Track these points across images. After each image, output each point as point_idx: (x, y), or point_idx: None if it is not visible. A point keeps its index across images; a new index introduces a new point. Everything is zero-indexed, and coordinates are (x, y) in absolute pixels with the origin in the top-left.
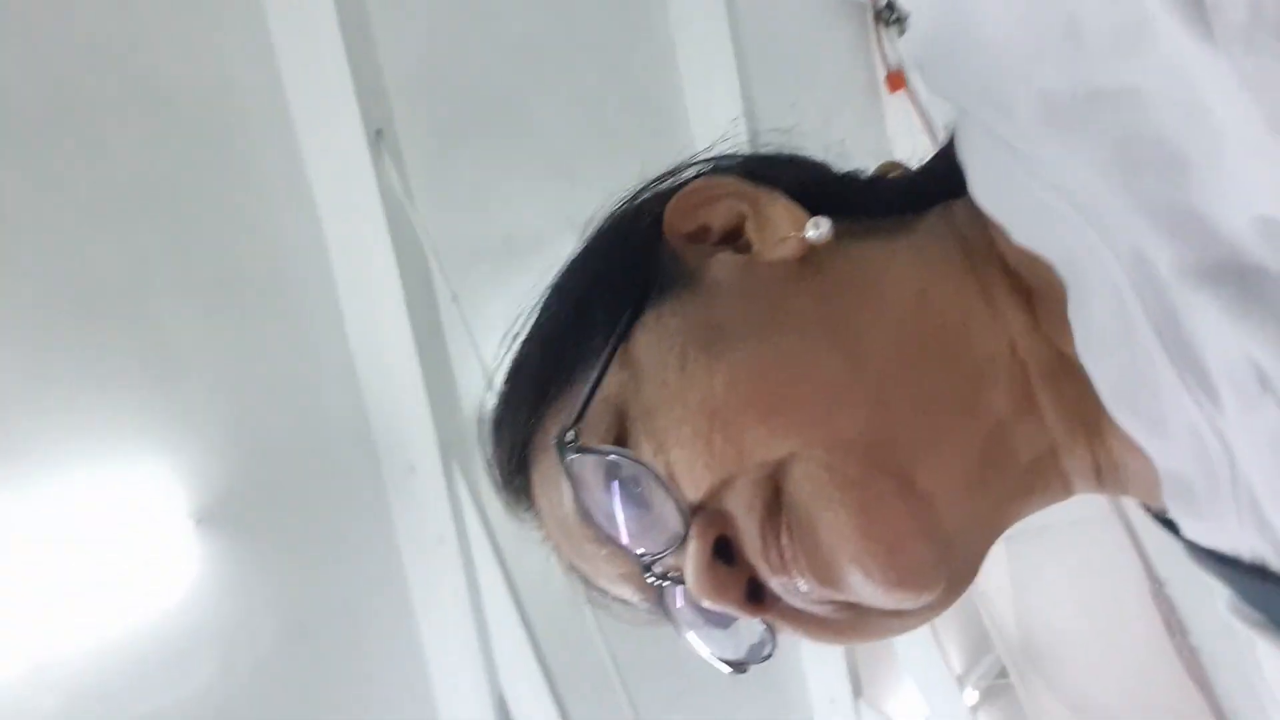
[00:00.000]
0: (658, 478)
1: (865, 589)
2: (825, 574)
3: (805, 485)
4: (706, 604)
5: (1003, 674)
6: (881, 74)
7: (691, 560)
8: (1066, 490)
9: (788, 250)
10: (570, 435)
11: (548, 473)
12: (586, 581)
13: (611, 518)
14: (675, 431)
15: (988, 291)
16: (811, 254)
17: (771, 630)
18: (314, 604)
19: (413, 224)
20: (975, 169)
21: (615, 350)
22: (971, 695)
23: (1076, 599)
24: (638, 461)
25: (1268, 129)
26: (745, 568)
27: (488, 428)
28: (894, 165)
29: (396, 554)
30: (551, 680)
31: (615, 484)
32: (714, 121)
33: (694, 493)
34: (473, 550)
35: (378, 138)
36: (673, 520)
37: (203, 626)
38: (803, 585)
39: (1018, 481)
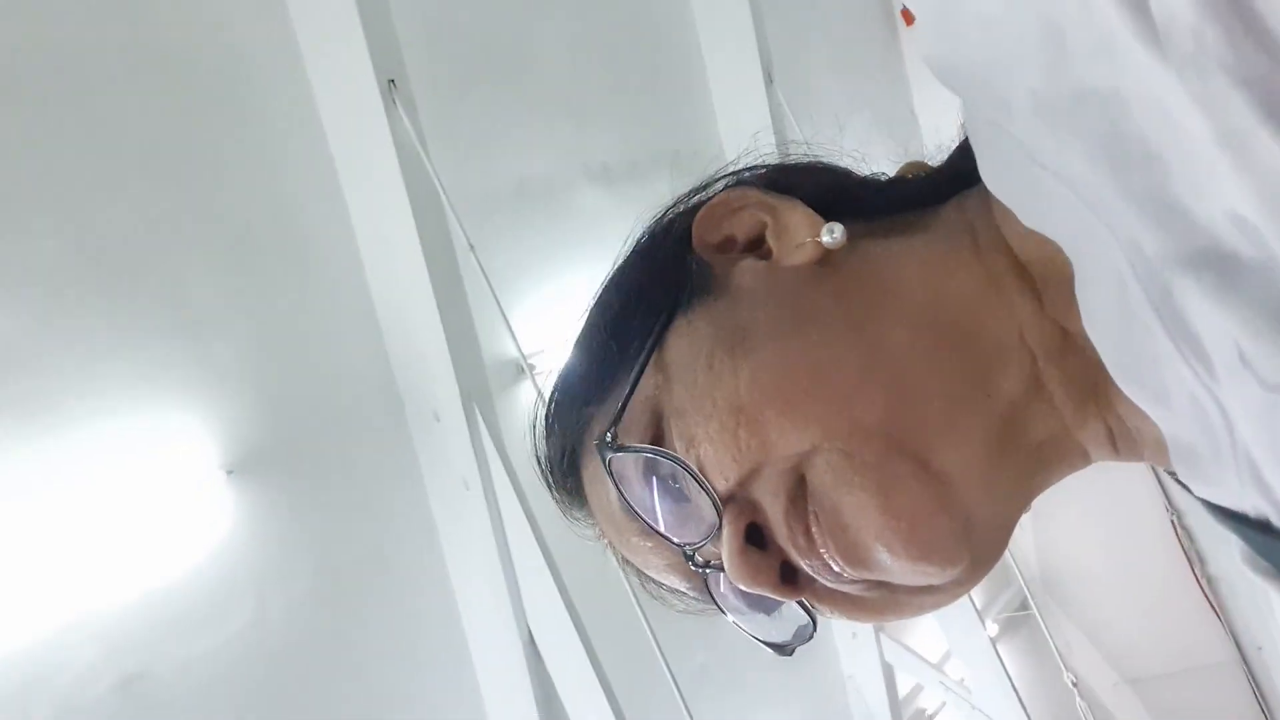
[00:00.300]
0: (690, 471)
1: (892, 566)
2: (853, 554)
3: (827, 473)
4: (743, 587)
5: (1023, 606)
6: (899, 6)
7: (725, 546)
8: (1084, 460)
9: (805, 254)
10: (609, 436)
11: (595, 473)
12: (640, 573)
13: (652, 511)
14: (704, 427)
15: (996, 280)
16: (828, 257)
17: (810, 611)
18: (345, 549)
19: (428, 174)
20: (984, 156)
21: (650, 356)
22: (992, 627)
23: (1097, 531)
24: (671, 457)
25: (1216, 145)
26: (777, 552)
27: (539, 436)
28: (918, 165)
29: (424, 499)
30: (577, 618)
31: (653, 479)
32: (727, 66)
33: (724, 484)
34: (497, 494)
35: (390, 88)
36: (707, 510)
37: (237, 574)
38: (834, 566)
39: (1033, 458)
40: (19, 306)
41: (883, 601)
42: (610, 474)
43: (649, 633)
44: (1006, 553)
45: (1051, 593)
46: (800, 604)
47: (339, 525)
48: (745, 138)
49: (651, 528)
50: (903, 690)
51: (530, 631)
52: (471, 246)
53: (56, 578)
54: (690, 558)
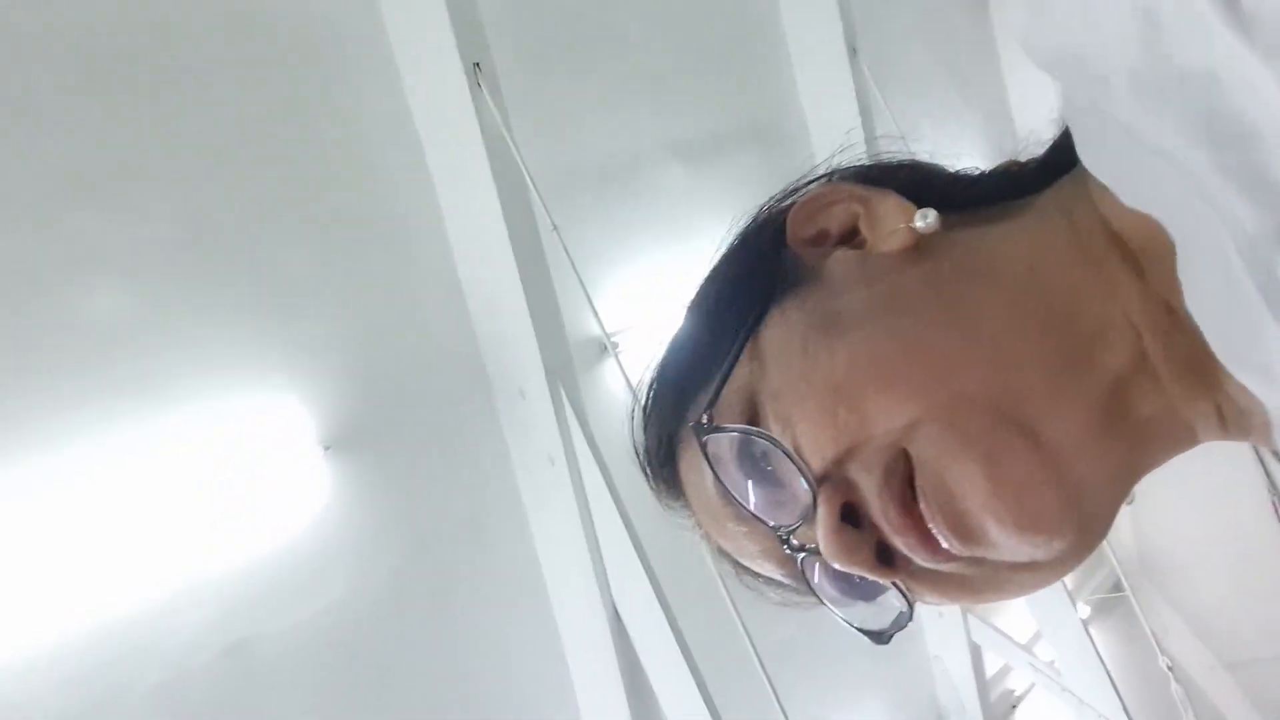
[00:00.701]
0: (785, 450)
1: (999, 538)
2: (960, 526)
3: (931, 446)
4: (838, 566)
5: (1117, 588)
6: None
7: (821, 525)
8: (1191, 439)
9: (898, 241)
10: (705, 418)
11: (692, 461)
12: (735, 564)
13: (746, 493)
14: (800, 408)
15: (1096, 257)
16: (922, 242)
17: (907, 596)
18: (436, 522)
19: (512, 155)
20: (1083, 137)
21: (744, 344)
22: (1084, 609)
23: (1195, 512)
24: (767, 436)
25: None
26: (873, 531)
27: (636, 426)
28: (1014, 164)
29: (510, 474)
30: (661, 593)
31: (748, 461)
32: (810, 38)
33: (819, 463)
34: (581, 470)
35: (475, 71)
36: (801, 491)
37: (335, 545)
38: (941, 541)
39: (1140, 434)
40: (130, 289)
41: (982, 580)
42: (706, 456)
43: (732, 608)
44: None
45: (1147, 574)
46: (896, 586)
47: (430, 499)
48: (828, 111)
49: (746, 510)
50: (990, 671)
51: (615, 606)
52: (555, 226)
53: (167, 547)
54: (785, 541)
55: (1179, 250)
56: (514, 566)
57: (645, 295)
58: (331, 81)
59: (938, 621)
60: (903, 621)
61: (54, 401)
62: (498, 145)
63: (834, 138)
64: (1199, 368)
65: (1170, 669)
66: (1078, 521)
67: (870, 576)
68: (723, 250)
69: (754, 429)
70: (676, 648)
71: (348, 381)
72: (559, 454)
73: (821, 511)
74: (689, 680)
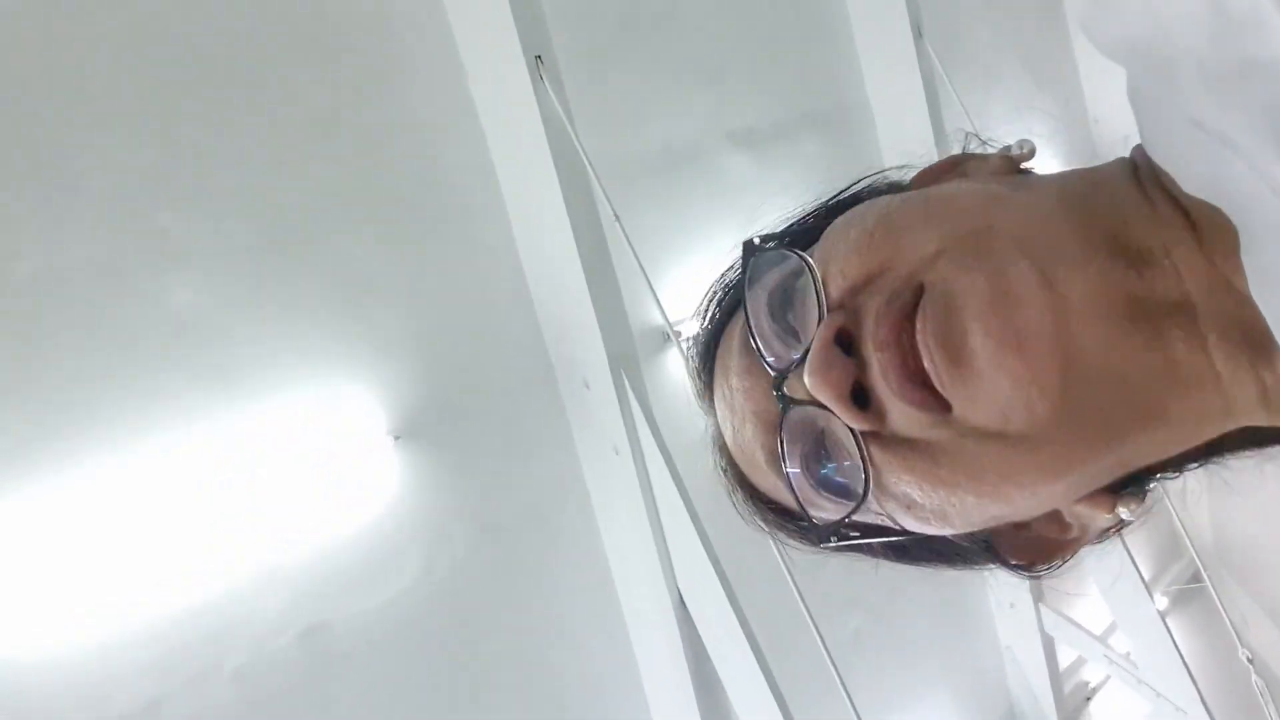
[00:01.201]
0: (809, 267)
1: (982, 352)
2: (947, 335)
3: (946, 267)
4: (811, 383)
5: (1195, 578)
6: None
7: (815, 341)
8: (1226, 411)
9: (993, 166)
10: (758, 239)
11: (728, 344)
12: (734, 476)
13: (764, 330)
14: (844, 236)
15: (1151, 200)
16: (1013, 167)
17: (864, 459)
18: (503, 511)
19: (574, 146)
20: (1145, 123)
21: (831, 209)
22: (1161, 600)
23: (1275, 501)
24: (797, 253)
25: None
26: (860, 366)
27: (708, 302)
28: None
29: (576, 464)
30: (726, 582)
31: (778, 290)
32: (874, 20)
33: (837, 289)
34: (646, 459)
35: (537, 64)
36: (812, 318)
37: (406, 533)
38: (925, 360)
39: (1165, 362)
40: (208, 284)
41: (947, 448)
42: (745, 269)
43: (798, 597)
44: (1177, 522)
45: (1225, 565)
46: (856, 442)
47: (496, 488)
48: (893, 95)
49: (754, 343)
50: (1063, 663)
51: (680, 593)
52: (617, 216)
53: (246, 533)
54: (779, 388)
55: (1243, 237)
56: (580, 554)
57: (708, 284)
58: (397, 78)
59: (1009, 612)
60: (853, 508)
61: (141, 394)
62: (560, 136)
63: (899, 123)
64: (1249, 337)
65: (1250, 661)
66: (1063, 382)
67: (836, 408)
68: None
69: (794, 250)
70: (742, 636)
71: (415, 372)
72: (623, 443)
73: (820, 328)
74: (755, 668)
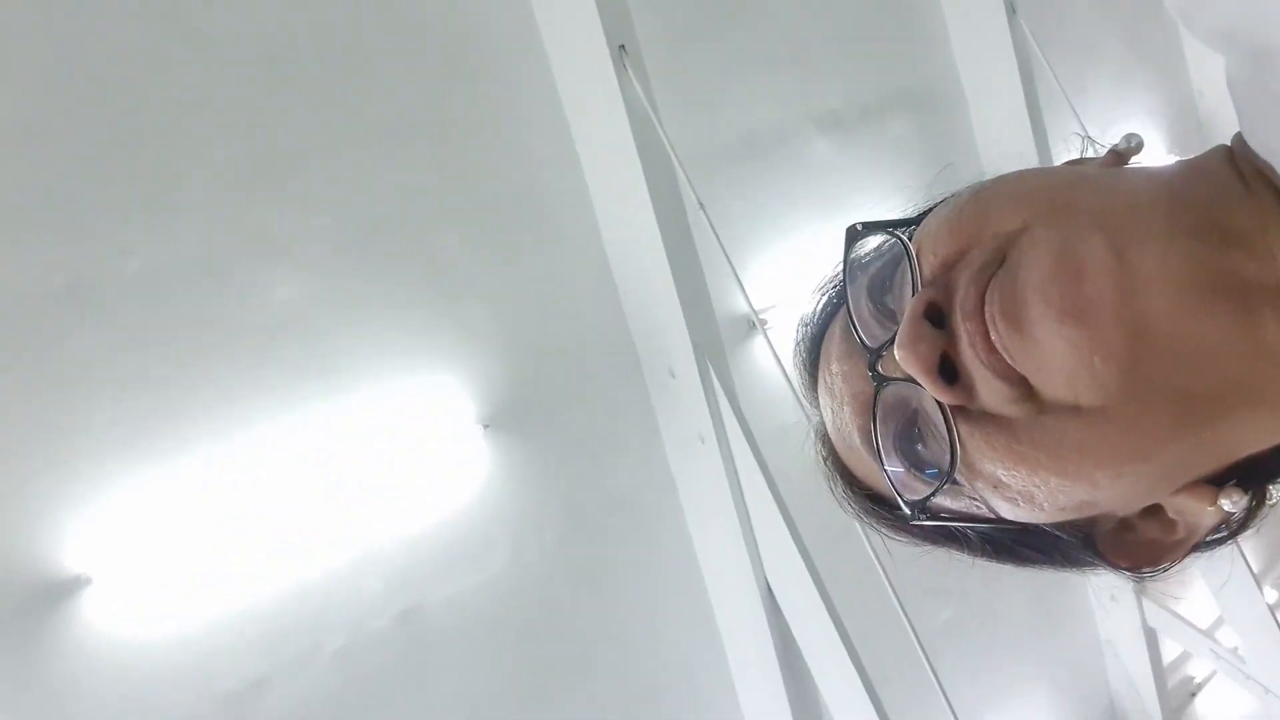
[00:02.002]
0: (905, 245)
1: (1041, 319)
2: (1010, 305)
3: (1026, 240)
4: (900, 355)
5: None
6: None
7: (906, 312)
8: None
9: (1102, 159)
10: (862, 225)
11: (835, 323)
12: (835, 466)
13: (862, 314)
14: (940, 214)
15: (1250, 185)
16: (1119, 162)
17: (951, 430)
18: (590, 499)
19: (659, 135)
20: (1244, 110)
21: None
22: (1270, 594)
23: None
24: (896, 235)
25: None
26: (948, 340)
27: (814, 302)
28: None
29: (661, 452)
30: (815, 572)
31: (878, 273)
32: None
33: (931, 265)
34: (732, 448)
35: (621, 54)
36: (907, 296)
37: (496, 519)
38: (992, 327)
39: (1254, 343)
40: (305, 278)
41: (1026, 426)
42: (846, 251)
43: (889, 587)
44: None
45: None
46: (943, 415)
47: (583, 476)
48: (985, 74)
49: (850, 319)
50: (1167, 658)
51: (768, 583)
52: (701, 205)
53: (344, 521)
54: (873, 366)
55: None
56: (666, 543)
57: (793, 271)
58: (484, 73)
59: (1110, 606)
60: (942, 482)
61: (246, 385)
62: (643, 126)
63: (992, 103)
64: None
65: None
66: (1130, 349)
67: (923, 380)
68: None
69: (894, 229)
70: (831, 626)
71: (504, 363)
72: (709, 432)
73: (911, 301)
74: (845, 659)
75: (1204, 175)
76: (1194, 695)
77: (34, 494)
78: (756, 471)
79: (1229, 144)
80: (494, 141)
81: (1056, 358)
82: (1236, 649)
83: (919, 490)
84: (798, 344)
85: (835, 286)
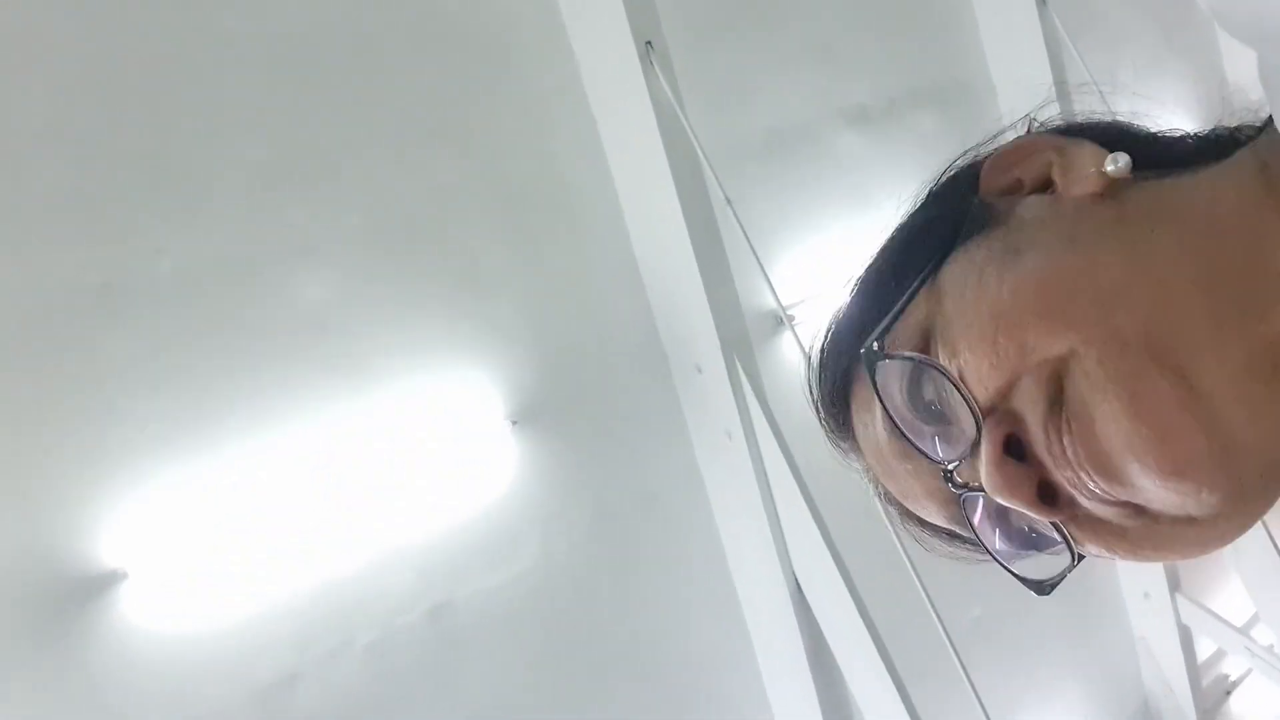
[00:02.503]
0: (949, 377)
1: (1142, 481)
2: (1103, 465)
3: (1082, 380)
4: (1000, 500)
5: None
6: None
7: (984, 456)
8: None
9: (1089, 185)
10: (876, 344)
11: (863, 400)
12: (901, 510)
13: (912, 425)
14: (965, 335)
15: None
16: (1111, 188)
17: (1068, 540)
18: (618, 495)
19: (685, 132)
20: (1277, 104)
21: (925, 279)
22: None
23: None
24: (934, 364)
25: None
26: (1036, 467)
27: (813, 368)
28: (1221, 129)
29: (689, 448)
30: (844, 568)
31: (916, 392)
32: None
33: (984, 392)
34: (760, 444)
35: (648, 50)
36: (967, 423)
37: (524, 516)
38: (1088, 482)
39: None
40: (333, 278)
41: (1142, 533)
42: (874, 385)
43: (918, 584)
44: None
45: None
46: (1056, 528)
47: (611, 472)
48: (1015, 66)
49: (911, 445)
50: (1202, 655)
51: (796, 579)
52: (728, 200)
53: (373, 515)
54: (949, 477)
55: None
56: (694, 539)
57: (821, 267)
58: (510, 70)
59: (1143, 603)
60: (1067, 570)
61: (276, 383)
62: (670, 123)
63: (1022, 95)
64: None
65: None
66: (1230, 474)
67: (1031, 513)
68: (913, 200)
69: (922, 356)
70: (861, 623)
71: (531, 359)
72: (736, 428)
73: (985, 442)
74: (874, 656)
75: (1234, 215)
76: (1229, 694)
77: (71, 490)
78: (784, 468)
79: (1257, 152)
80: (521, 139)
81: (1164, 502)
82: (1272, 646)
83: (1026, 565)
84: (816, 398)
85: (834, 356)
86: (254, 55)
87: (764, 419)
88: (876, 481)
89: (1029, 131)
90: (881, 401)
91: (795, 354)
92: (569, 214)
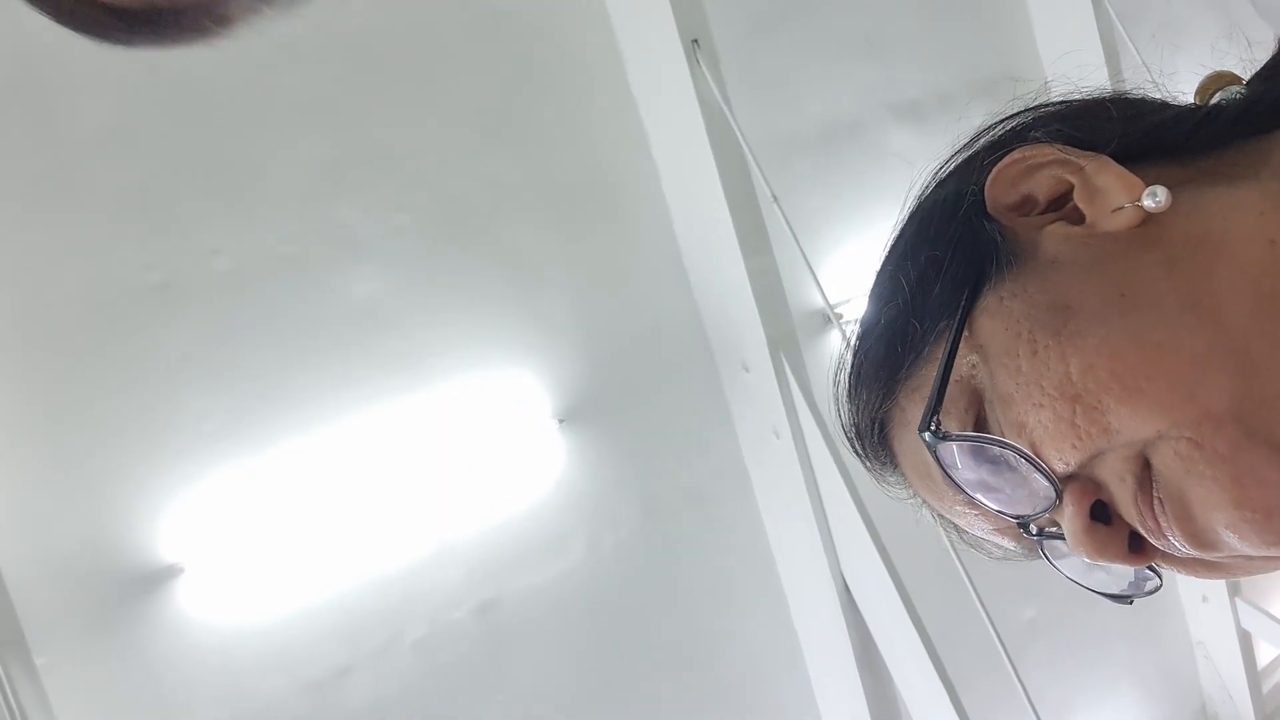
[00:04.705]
0: (1028, 458)
1: (1241, 549)
2: (1201, 540)
3: (1175, 463)
4: (1090, 560)
5: None
6: None
7: (1070, 525)
8: None
9: (1124, 220)
10: (934, 424)
11: (911, 444)
12: (959, 530)
13: (980, 487)
14: (1036, 416)
15: None
16: (1150, 218)
17: (1158, 573)
18: (665, 493)
19: (732, 129)
20: None
21: (960, 334)
22: None
23: None
24: (1010, 446)
25: None
26: (1123, 526)
27: (843, 405)
28: (1225, 77)
29: (736, 447)
30: (893, 570)
31: (984, 463)
32: None
33: (1063, 467)
34: (807, 443)
35: (694, 47)
36: (1044, 490)
37: (571, 512)
38: (1181, 549)
39: None
40: (383, 275)
41: (1236, 565)
42: (938, 462)
43: (969, 585)
44: None
45: None
46: (1149, 568)
47: (658, 471)
48: (1069, 59)
49: (980, 502)
50: (1262, 661)
51: (844, 579)
52: (775, 198)
53: (422, 512)
54: (1024, 526)
55: None
56: (741, 538)
57: (870, 265)
58: (558, 69)
59: (1202, 606)
60: (1147, 588)
61: (327, 380)
62: (717, 120)
63: (1078, 88)
64: None
65: None
66: None
67: (1123, 566)
68: (914, 212)
69: (992, 438)
70: (910, 625)
71: (578, 358)
72: (784, 427)
73: (1069, 513)
74: (924, 657)
75: None
76: None
77: (130, 487)
78: (832, 466)
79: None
80: (567, 138)
81: (1263, 554)
82: None
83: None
84: (848, 429)
85: (865, 384)
86: (308, 57)
87: (811, 418)
88: (931, 507)
89: (1027, 131)
90: (948, 474)
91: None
92: (615, 213)
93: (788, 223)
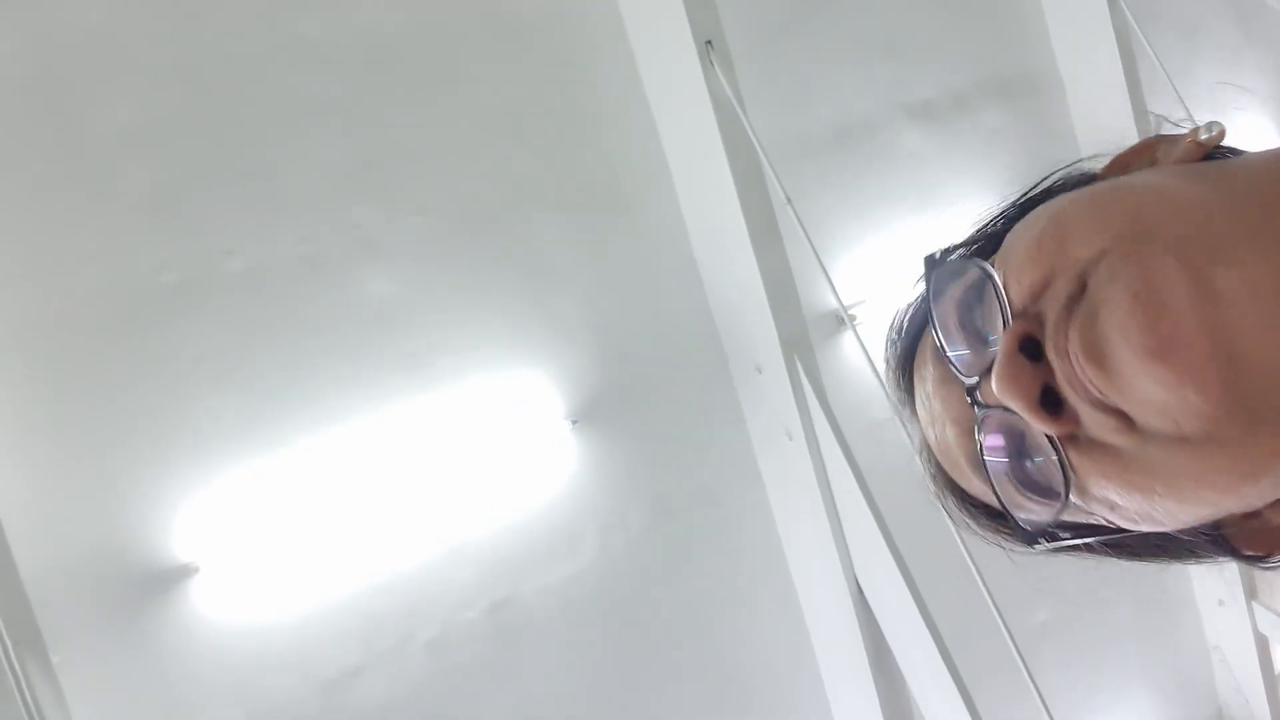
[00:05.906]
0: (988, 274)
1: (1127, 364)
2: (1092, 346)
3: (1104, 275)
4: (1000, 391)
5: None
6: None
7: (1000, 348)
8: None
9: (1182, 152)
10: (940, 253)
11: (925, 355)
12: (945, 483)
13: (951, 331)
14: (1020, 240)
15: None
16: (1201, 153)
17: (1062, 458)
18: (677, 494)
19: (745, 130)
20: None
21: (1010, 220)
22: None
23: None
24: (978, 263)
25: None
26: (1047, 372)
27: (901, 315)
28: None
29: (749, 448)
30: (906, 571)
31: (963, 301)
32: None
33: (1018, 295)
34: (820, 444)
35: (708, 49)
36: (998, 325)
37: (583, 512)
38: (1080, 375)
39: None
40: (397, 276)
41: (1135, 456)
42: (927, 283)
43: (982, 587)
44: None
45: None
46: (1050, 443)
47: (670, 471)
48: (1084, 59)
49: (943, 352)
50: (1279, 664)
51: (857, 580)
52: (789, 199)
53: (436, 513)
54: (972, 395)
55: None
56: (753, 538)
57: (883, 266)
58: (572, 71)
59: (1218, 610)
60: (1057, 505)
61: (341, 380)
62: (730, 121)
63: (1092, 90)
64: None
65: None
66: (1226, 384)
67: (1027, 416)
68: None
69: (971, 257)
70: (924, 626)
71: (591, 359)
72: (796, 429)
73: (1004, 337)
74: (936, 658)
75: None
76: None
77: (144, 486)
78: (845, 468)
79: None
80: (580, 140)
81: (1147, 394)
82: None
83: (1034, 510)
84: (888, 360)
85: (922, 301)
86: (323, 63)
87: (824, 419)
88: (925, 449)
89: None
90: (932, 308)
91: (857, 354)
92: (629, 215)
93: (801, 224)
